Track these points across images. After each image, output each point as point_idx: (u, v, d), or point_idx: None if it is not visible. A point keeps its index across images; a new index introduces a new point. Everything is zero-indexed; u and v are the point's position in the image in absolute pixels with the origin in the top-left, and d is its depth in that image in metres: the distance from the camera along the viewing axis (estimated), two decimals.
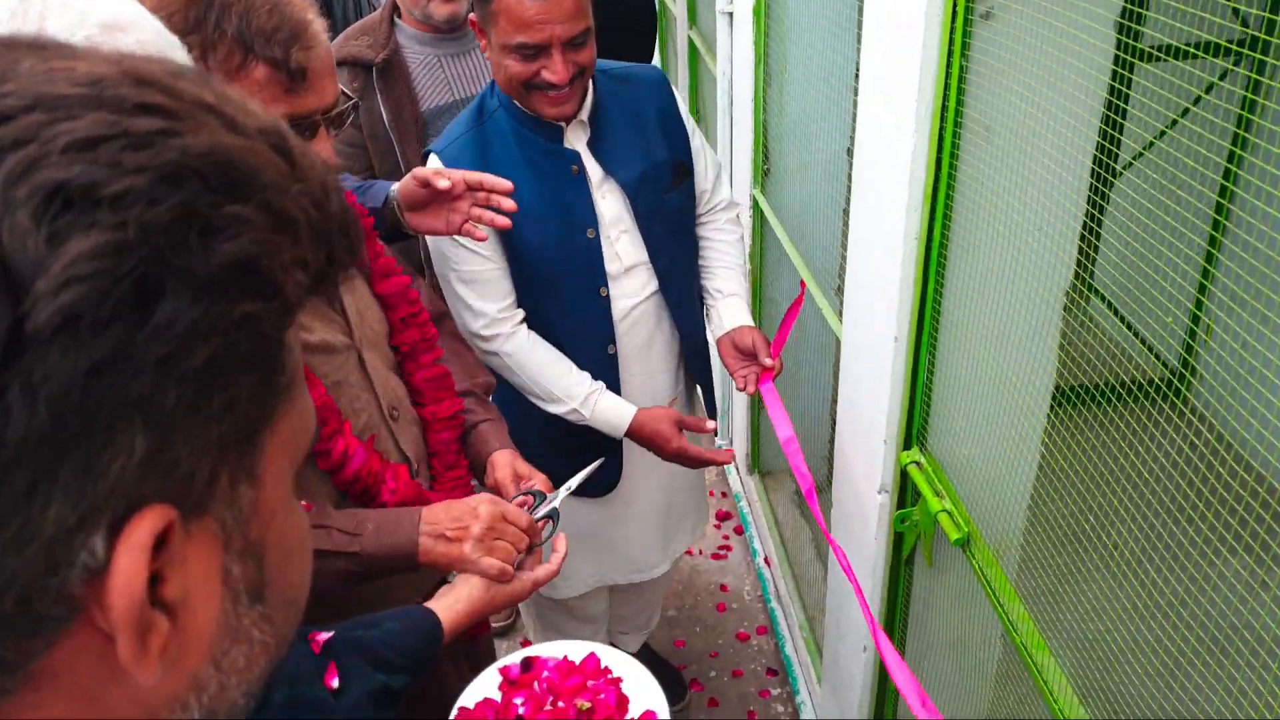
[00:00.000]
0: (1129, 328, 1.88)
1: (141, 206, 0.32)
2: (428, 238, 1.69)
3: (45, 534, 0.31)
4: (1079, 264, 1.30)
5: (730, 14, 2.52)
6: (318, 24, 1.12)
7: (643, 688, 1.16)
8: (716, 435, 3.05)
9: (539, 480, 1.37)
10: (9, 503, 0.30)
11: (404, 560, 1.17)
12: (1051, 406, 1.33)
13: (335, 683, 0.93)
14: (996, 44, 1.20)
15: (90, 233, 0.31)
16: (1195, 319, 2.11)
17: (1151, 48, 1.01)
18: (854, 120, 1.48)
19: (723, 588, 2.83)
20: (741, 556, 2.97)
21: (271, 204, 0.36)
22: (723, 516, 3.10)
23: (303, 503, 1.16)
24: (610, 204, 1.71)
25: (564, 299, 1.72)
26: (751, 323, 1.84)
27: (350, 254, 0.43)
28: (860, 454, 1.60)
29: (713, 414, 1.96)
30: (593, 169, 1.69)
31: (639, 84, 1.76)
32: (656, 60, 4.70)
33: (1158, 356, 1.82)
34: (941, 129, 1.24)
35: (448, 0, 2.02)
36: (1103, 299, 2.03)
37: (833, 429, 1.80)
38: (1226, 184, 1.01)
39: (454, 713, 1.15)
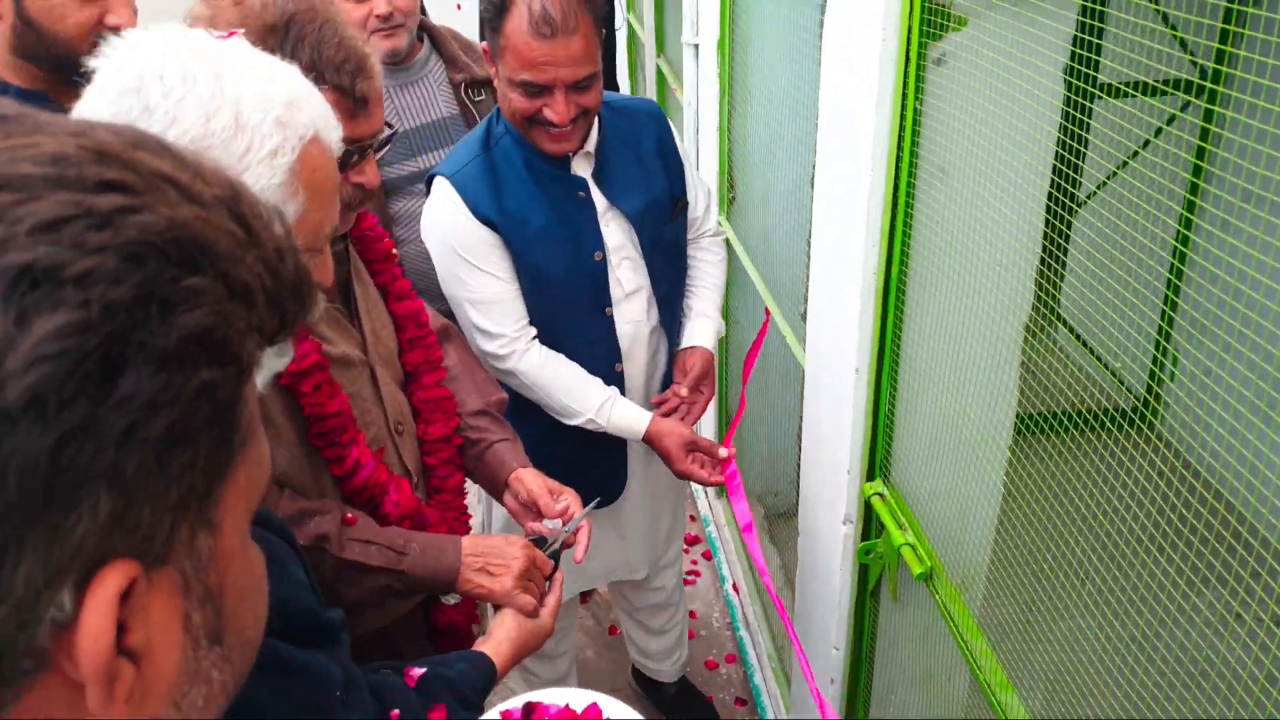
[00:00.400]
0: (1095, 356, 1.92)
1: (104, 285, 0.34)
2: (434, 257, 1.70)
3: (15, 594, 0.33)
4: (1043, 292, 1.32)
5: (696, 45, 2.55)
6: (375, 57, 1.18)
7: None
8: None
9: (569, 495, 1.42)
10: None
11: (443, 584, 1.25)
12: (1016, 435, 1.35)
13: None
14: (950, 88, 1.22)
15: (56, 312, 0.33)
16: (1160, 348, 2.14)
17: (1099, 89, 1.03)
18: (815, 151, 1.50)
19: (691, 614, 2.83)
20: (710, 582, 2.97)
21: (229, 274, 0.38)
22: (691, 541, 3.09)
23: (348, 514, 1.19)
24: (613, 232, 1.74)
25: (572, 319, 1.75)
26: (709, 345, 1.88)
27: (303, 314, 0.44)
28: (825, 484, 1.61)
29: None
30: (598, 198, 1.73)
31: (637, 116, 1.79)
32: (625, 85, 4.74)
33: (1124, 384, 1.84)
34: (897, 169, 1.26)
35: (387, 36, 2.03)
36: (1068, 328, 2.06)
37: (799, 455, 1.82)
38: (1189, 215, 1.03)
39: None
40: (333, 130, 0.94)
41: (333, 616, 0.90)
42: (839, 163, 1.37)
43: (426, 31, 2.17)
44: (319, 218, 0.92)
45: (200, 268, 0.37)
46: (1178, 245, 1.53)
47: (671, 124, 1.85)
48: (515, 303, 1.71)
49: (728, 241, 2.40)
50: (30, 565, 0.33)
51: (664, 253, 1.82)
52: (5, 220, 0.33)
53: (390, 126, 1.24)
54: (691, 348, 1.87)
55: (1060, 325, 2.03)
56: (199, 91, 0.81)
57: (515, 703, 1.18)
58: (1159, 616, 1.15)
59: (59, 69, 1.52)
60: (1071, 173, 1.23)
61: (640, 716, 1.17)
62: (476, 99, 2.15)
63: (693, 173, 1.87)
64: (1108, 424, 1.20)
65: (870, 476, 1.47)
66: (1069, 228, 1.24)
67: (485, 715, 1.18)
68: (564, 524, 1.39)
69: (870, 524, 1.50)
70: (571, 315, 1.75)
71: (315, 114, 0.89)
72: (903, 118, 1.23)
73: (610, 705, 1.18)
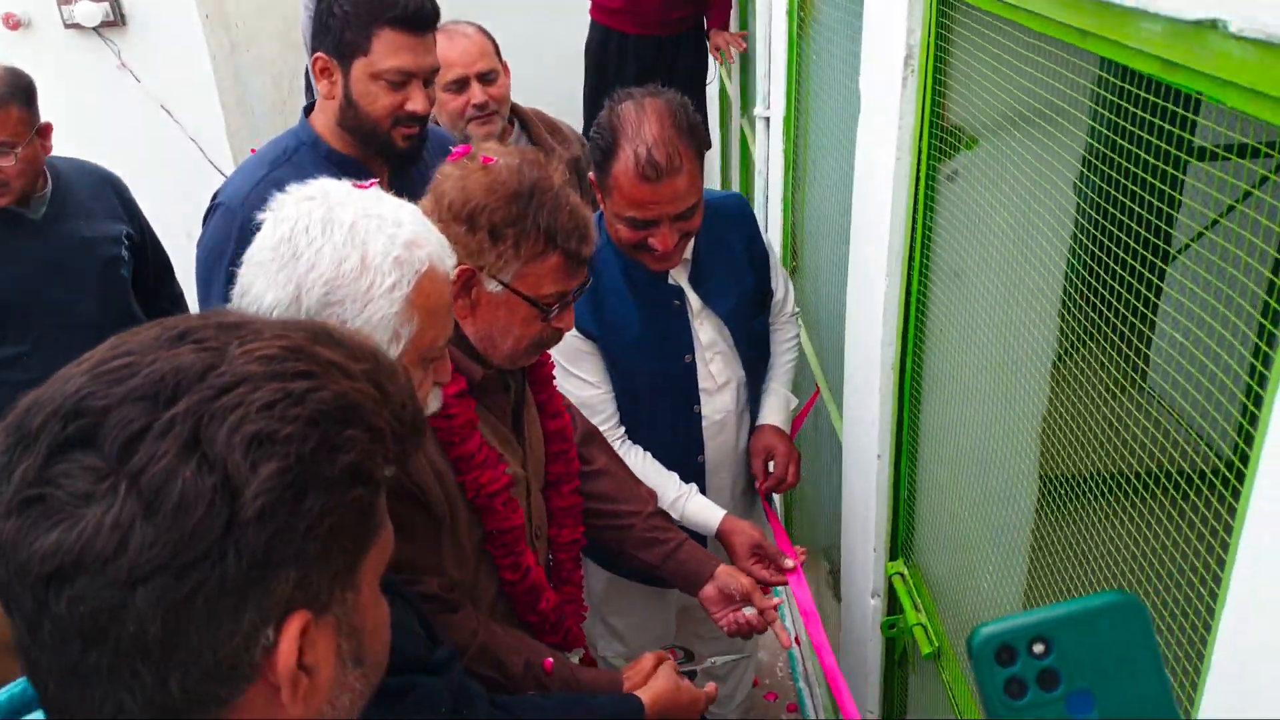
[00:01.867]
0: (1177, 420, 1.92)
1: (299, 443, 0.53)
2: None
3: (243, 628, 0.53)
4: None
5: (767, 119, 2.67)
6: (593, 221, 1.36)
7: None
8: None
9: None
10: (228, 612, 0.52)
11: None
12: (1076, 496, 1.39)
13: None
14: (964, 199, 1.31)
15: (272, 461, 0.52)
16: (1246, 411, 2.11)
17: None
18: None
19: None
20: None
21: (370, 425, 0.57)
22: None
23: (546, 660, 1.38)
24: (707, 330, 1.86)
25: (661, 415, 1.87)
26: (778, 422, 1.98)
27: (417, 444, 0.64)
28: (857, 559, 1.69)
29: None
30: (693, 299, 1.84)
31: (727, 215, 1.89)
32: (716, 141, 4.88)
33: (1210, 447, 1.84)
34: (910, 273, 1.35)
35: (483, 124, 2.21)
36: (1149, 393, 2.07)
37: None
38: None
39: None
40: (447, 261, 1.09)
41: (441, 654, 1.10)
42: (863, 265, 1.47)
43: (515, 115, 2.36)
44: (434, 334, 1.07)
45: (353, 423, 0.56)
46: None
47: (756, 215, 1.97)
48: (607, 404, 1.83)
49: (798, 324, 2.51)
50: (251, 612, 0.52)
51: (753, 345, 1.93)
52: (244, 403, 0.53)
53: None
54: (761, 426, 1.97)
55: (1144, 383, 2.03)
56: (335, 240, 1.00)
57: None
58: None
59: (367, 141, 1.86)
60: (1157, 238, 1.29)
61: None
62: None
63: (776, 263, 1.98)
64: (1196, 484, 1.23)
65: (893, 556, 1.55)
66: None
67: None
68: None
69: (895, 600, 1.58)
70: (660, 411, 1.86)
71: (430, 250, 1.05)
72: (914, 227, 1.33)
73: None
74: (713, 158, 4.48)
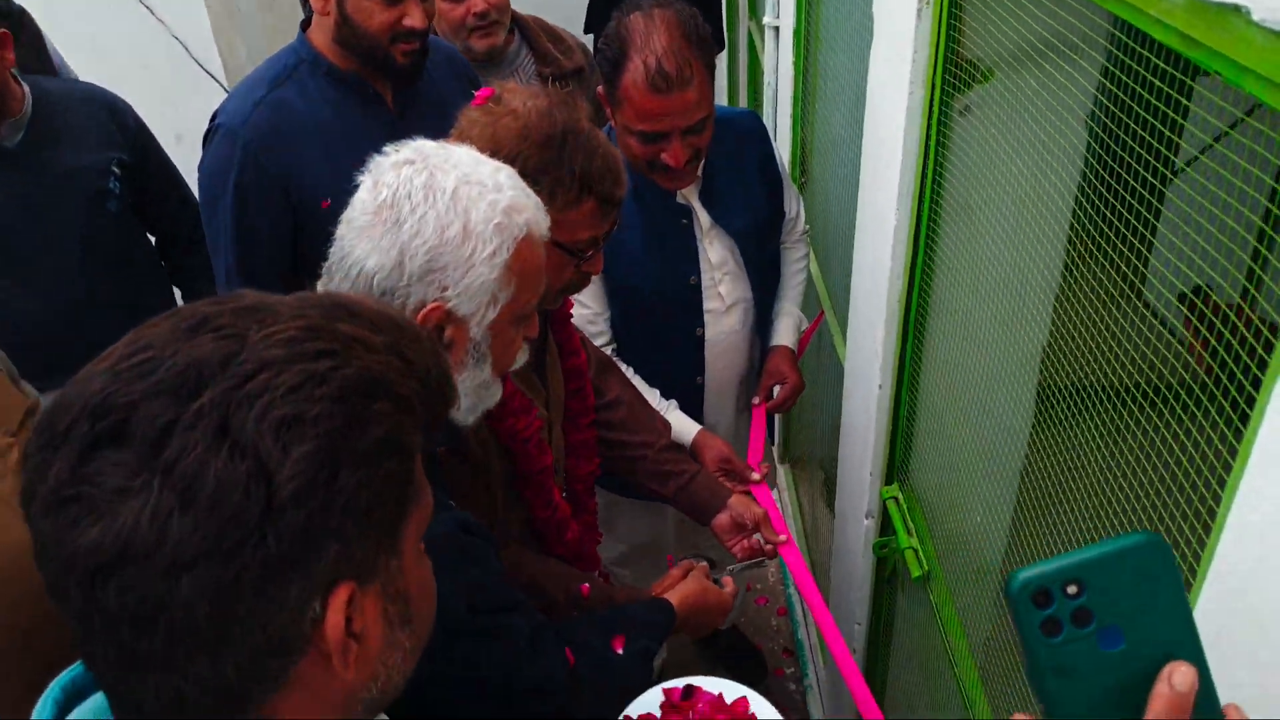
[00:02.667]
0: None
1: (327, 421, 0.54)
2: None
3: (290, 604, 0.55)
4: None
5: (776, 28, 2.61)
6: (622, 164, 1.35)
7: None
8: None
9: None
10: (274, 591, 0.54)
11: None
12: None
13: (620, 648, 1.29)
14: (976, 133, 1.31)
15: (304, 443, 0.53)
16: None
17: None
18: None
19: None
20: None
21: (397, 395, 0.59)
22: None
23: (583, 586, 1.45)
24: (717, 249, 1.85)
25: (661, 336, 1.88)
26: (790, 343, 2.02)
27: (446, 408, 0.65)
28: (853, 480, 1.74)
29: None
30: (703, 217, 1.83)
31: (740, 132, 1.88)
32: (724, 52, 4.75)
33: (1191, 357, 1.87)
34: (920, 208, 1.36)
35: (485, 35, 2.16)
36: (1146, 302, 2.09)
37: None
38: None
39: None
40: (543, 224, 1.11)
41: (517, 594, 1.19)
42: (873, 198, 1.47)
43: (516, 23, 2.30)
44: (528, 298, 1.11)
45: (379, 396, 0.57)
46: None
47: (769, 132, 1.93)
48: (599, 324, 1.85)
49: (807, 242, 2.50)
50: (297, 588, 0.55)
51: (764, 266, 1.94)
52: (269, 389, 0.54)
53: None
54: (774, 349, 2.00)
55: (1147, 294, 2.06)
56: (438, 208, 1.01)
57: (677, 683, 1.37)
58: None
59: (366, 59, 1.83)
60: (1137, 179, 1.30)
61: (778, 714, 1.33)
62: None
63: (789, 182, 1.97)
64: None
65: (889, 480, 1.60)
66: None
67: (649, 691, 1.37)
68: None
69: (888, 521, 1.63)
70: (660, 333, 1.87)
71: (529, 216, 1.07)
72: (925, 162, 1.33)
73: (758, 701, 1.36)
74: (720, 63, 4.37)
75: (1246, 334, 1.25)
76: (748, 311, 1.94)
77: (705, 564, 1.56)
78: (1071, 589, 0.48)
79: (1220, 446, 0.78)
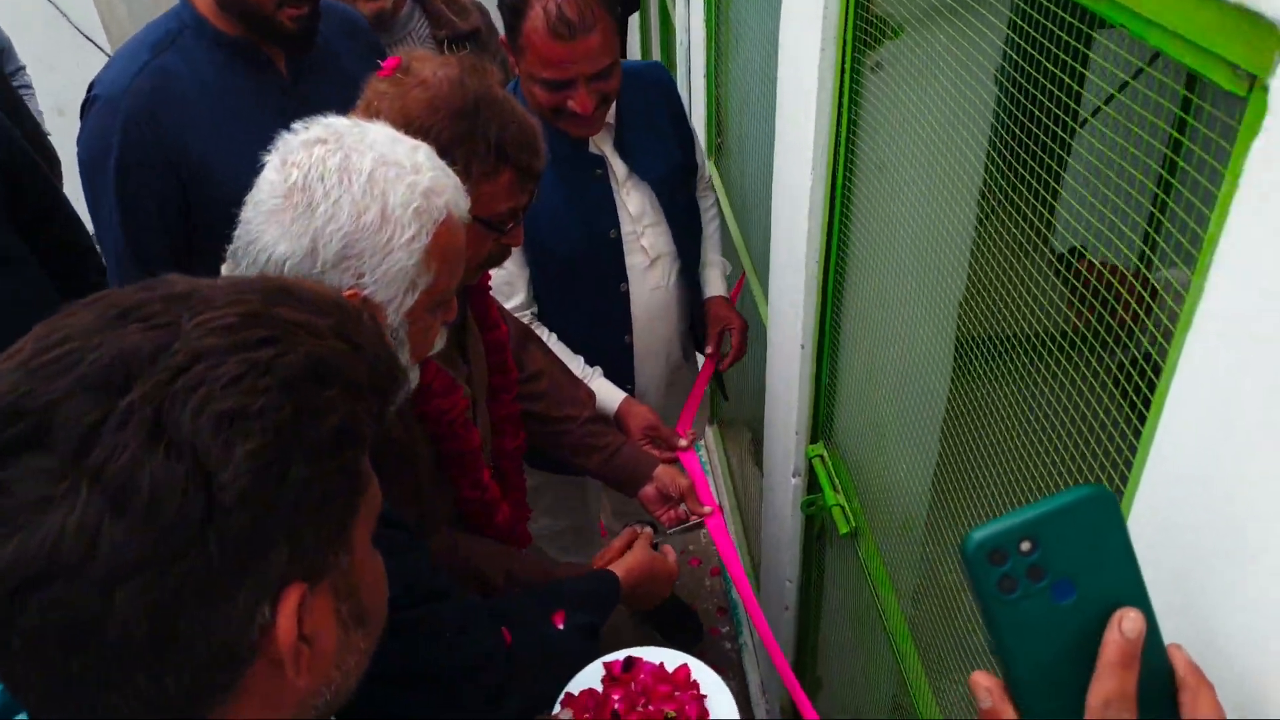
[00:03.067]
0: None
1: (274, 413, 0.50)
2: None
3: (237, 613, 0.51)
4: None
5: None
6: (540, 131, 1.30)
7: (723, 705, 1.30)
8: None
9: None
10: (219, 600, 0.50)
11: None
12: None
13: (561, 624, 1.27)
14: (888, 91, 1.30)
15: (249, 439, 0.49)
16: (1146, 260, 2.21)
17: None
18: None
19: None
20: None
21: (347, 381, 0.55)
22: None
23: (519, 566, 1.41)
24: (635, 200, 1.82)
25: (585, 294, 1.85)
26: (723, 291, 2.01)
27: (397, 392, 0.61)
28: (779, 439, 1.75)
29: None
30: (618, 167, 1.80)
31: (648, 83, 1.86)
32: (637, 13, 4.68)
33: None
34: (835, 167, 1.35)
35: (370, 0, 2.09)
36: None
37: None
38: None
39: (561, 697, 1.31)
40: (463, 206, 1.07)
41: (442, 579, 1.16)
42: (788, 158, 1.47)
43: None
44: (448, 282, 1.07)
45: (329, 383, 0.53)
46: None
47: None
48: (518, 284, 1.80)
49: (714, 189, 2.49)
50: (244, 594, 0.51)
51: (684, 215, 1.92)
52: (206, 382, 0.50)
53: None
54: (710, 300, 2.01)
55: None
56: (353, 192, 0.96)
57: (618, 655, 1.35)
58: None
59: (251, 25, 1.72)
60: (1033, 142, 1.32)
61: (723, 683, 1.34)
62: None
63: (696, 131, 1.96)
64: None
65: (814, 439, 1.61)
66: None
67: (589, 665, 1.35)
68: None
69: (815, 479, 1.65)
70: (584, 291, 1.84)
71: (449, 197, 1.03)
72: (839, 121, 1.33)
73: (699, 668, 1.35)
74: (632, 24, 4.32)
75: (1124, 292, 1.30)
76: (673, 265, 1.92)
77: (649, 530, 1.55)
78: (1025, 545, 0.49)
79: (1132, 394, 0.79)
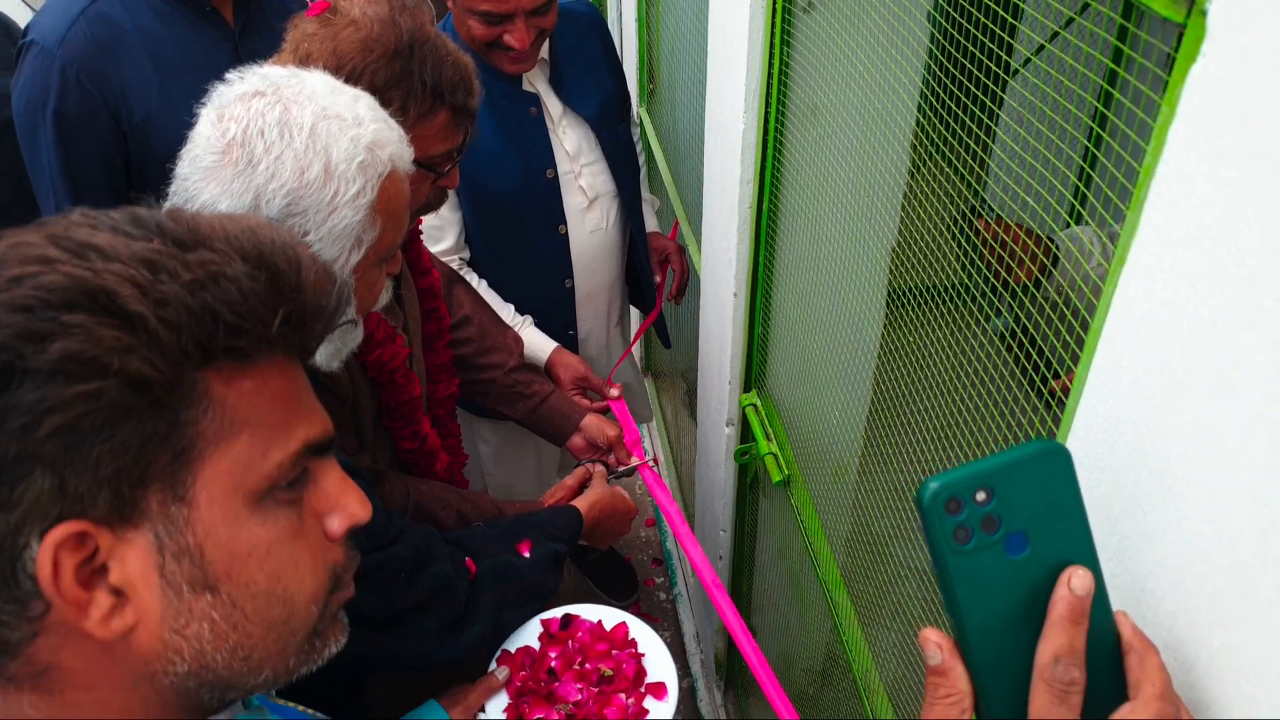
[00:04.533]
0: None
1: (4, 330, 0.48)
2: None
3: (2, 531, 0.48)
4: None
5: None
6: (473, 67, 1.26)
7: (661, 664, 1.29)
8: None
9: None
10: None
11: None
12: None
13: (527, 552, 1.28)
14: (819, 33, 1.28)
15: None
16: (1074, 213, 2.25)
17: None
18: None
19: None
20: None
21: (116, 310, 0.50)
22: None
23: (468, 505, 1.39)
24: (571, 139, 1.79)
25: (524, 238, 1.81)
26: (653, 226, 2.00)
27: (213, 338, 0.54)
28: (712, 389, 1.74)
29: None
30: (553, 105, 1.76)
31: (580, 21, 1.83)
32: None
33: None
34: (767, 112, 1.33)
35: None
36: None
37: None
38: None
39: (498, 654, 1.29)
40: (407, 158, 1.03)
41: (398, 522, 1.15)
42: (720, 102, 1.43)
43: None
44: (393, 236, 1.03)
45: (80, 308, 0.49)
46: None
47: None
48: (449, 229, 1.76)
49: (644, 135, 2.45)
50: (3, 515, 0.48)
51: (623, 153, 1.89)
52: None
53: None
54: (649, 234, 2.00)
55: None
56: (295, 147, 0.92)
57: (555, 613, 1.33)
58: None
59: None
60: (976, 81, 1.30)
61: (660, 641, 1.32)
62: None
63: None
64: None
65: (747, 388, 1.60)
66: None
67: (526, 623, 1.32)
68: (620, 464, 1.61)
69: (749, 429, 1.64)
70: (522, 234, 1.80)
71: (392, 150, 1.00)
72: (771, 63, 1.29)
73: (636, 625, 1.34)
74: None
75: (1020, 252, 1.30)
76: (611, 204, 1.89)
77: (602, 468, 1.53)
78: (981, 496, 0.49)
79: (1061, 351, 0.79)
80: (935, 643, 0.51)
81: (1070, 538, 0.50)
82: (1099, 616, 0.49)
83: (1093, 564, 0.50)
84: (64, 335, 0.48)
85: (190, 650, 0.56)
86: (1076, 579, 0.49)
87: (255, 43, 1.73)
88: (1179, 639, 0.51)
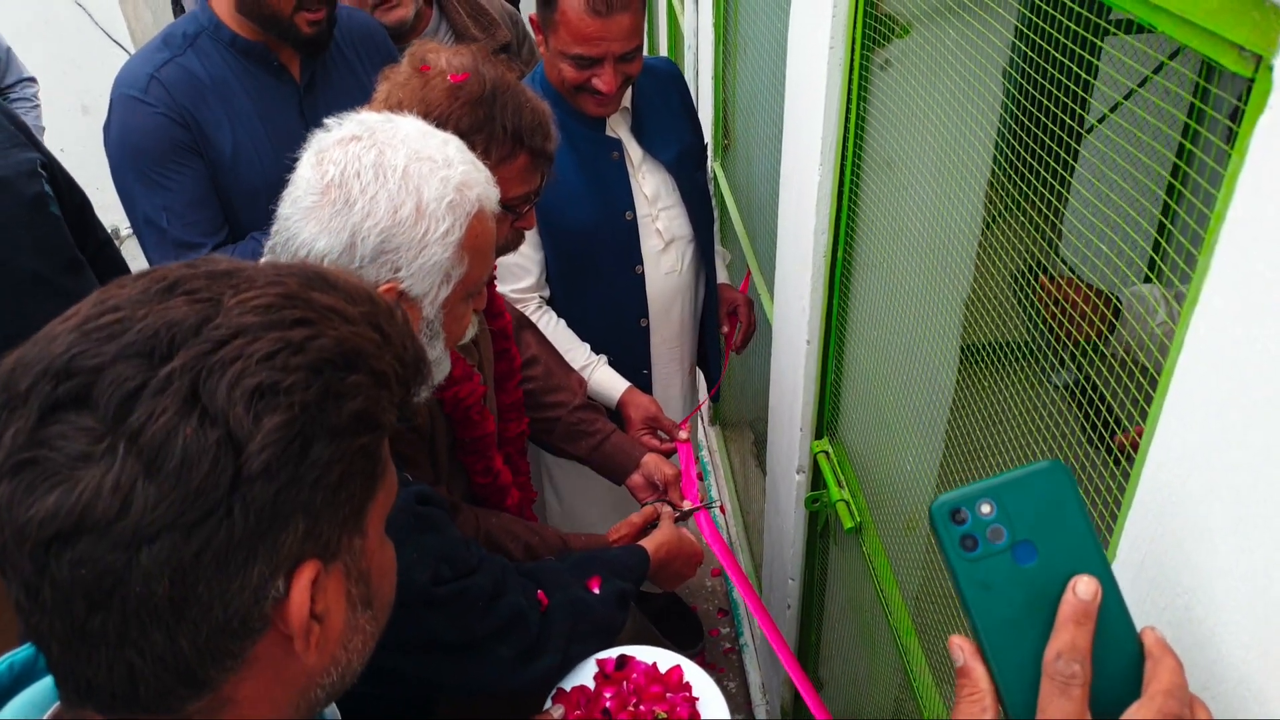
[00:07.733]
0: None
1: (300, 391, 0.52)
2: None
3: (253, 582, 0.53)
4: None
5: None
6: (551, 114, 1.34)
7: (714, 707, 1.30)
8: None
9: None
10: (237, 567, 0.52)
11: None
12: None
13: (596, 589, 1.31)
14: (895, 89, 1.32)
15: (276, 413, 0.51)
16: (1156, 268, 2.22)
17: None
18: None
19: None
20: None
21: (373, 369, 0.57)
22: None
23: (537, 539, 1.43)
24: (650, 183, 1.87)
25: (601, 277, 1.88)
26: (724, 279, 2.06)
27: (420, 383, 0.63)
28: (783, 436, 1.76)
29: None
30: (634, 150, 1.85)
31: (661, 75, 1.93)
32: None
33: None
34: (843, 163, 1.36)
35: (392, 9, 2.11)
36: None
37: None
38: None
39: (553, 693, 1.31)
40: (493, 197, 1.10)
41: (476, 552, 1.20)
42: (796, 154, 1.48)
43: None
44: (480, 273, 1.10)
45: (356, 368, 0.55)
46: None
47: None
48: (530, 268, 1.83)
49: (719, 189, 2.51)
50: (261, 565, 0.52)
51: (699, 199, 1.96)
52: (242, 357, 0.52)
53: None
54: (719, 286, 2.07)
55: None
56: (389, 188, 0.99)
57: (611, 653, 1.35)
58: None
59: (269, 27, 1.76)
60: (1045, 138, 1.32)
61: (715, 686, 1.33)
62: None
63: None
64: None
65: (819, 435, 1.62)
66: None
67: (583, 662, 1.34)
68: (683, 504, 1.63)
69: (820, 475, 1.65)
70: (599, 273, 1.87)
71: (480, 190, 1.06)
72: (848, 117, 1.34)
73: (692, 670, 1.35)
74: None
75: (1085, 308, 1.30)
76: (687, 248, 1.95)
77: (669, 509, 1.56)
78: (985, 508, 0.54)
79: (1129, 406, 0.80)
80: (959, 645, 0.55)
81: (1078, 549, 0.54)
82: (1115, 624, 0.53)
83: (1103, 573, 0.53)
84: (352, 395, 0.55)
85: (344, 661, 0.62)
86: (1082, 585, 0.53)
87: (319, 96, 1.85)
88: (1254, 670, 0.52)
